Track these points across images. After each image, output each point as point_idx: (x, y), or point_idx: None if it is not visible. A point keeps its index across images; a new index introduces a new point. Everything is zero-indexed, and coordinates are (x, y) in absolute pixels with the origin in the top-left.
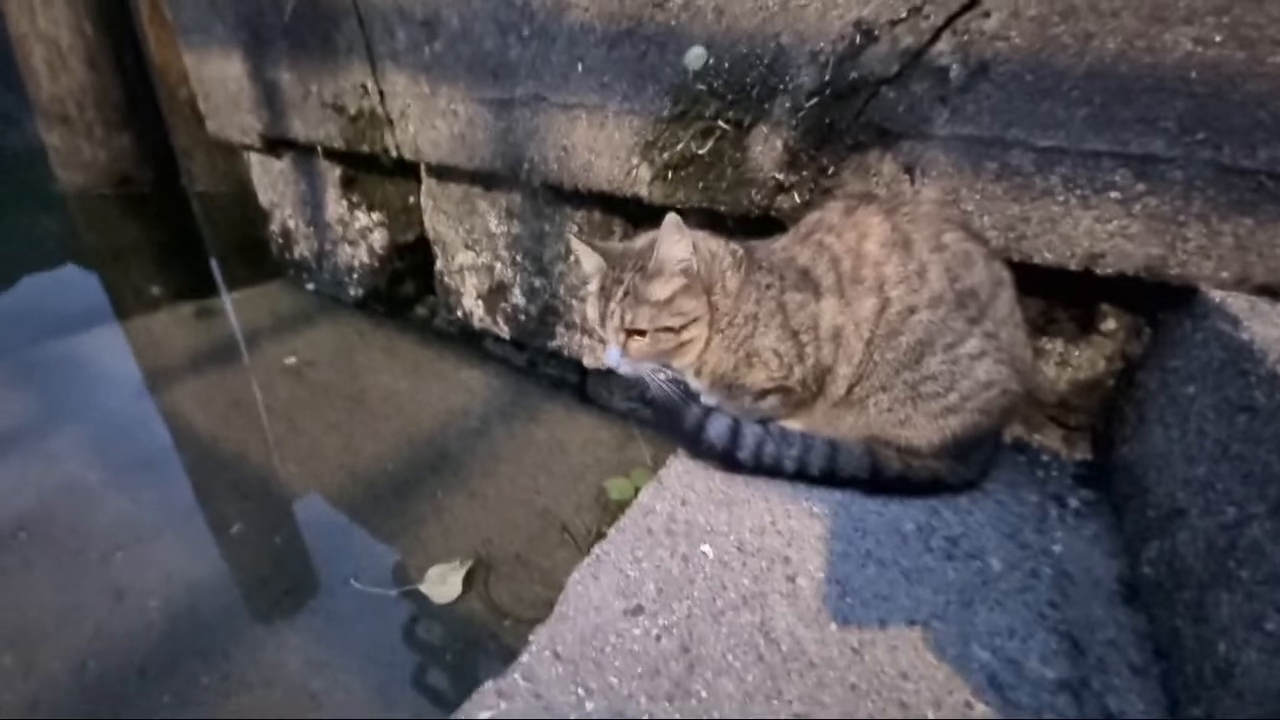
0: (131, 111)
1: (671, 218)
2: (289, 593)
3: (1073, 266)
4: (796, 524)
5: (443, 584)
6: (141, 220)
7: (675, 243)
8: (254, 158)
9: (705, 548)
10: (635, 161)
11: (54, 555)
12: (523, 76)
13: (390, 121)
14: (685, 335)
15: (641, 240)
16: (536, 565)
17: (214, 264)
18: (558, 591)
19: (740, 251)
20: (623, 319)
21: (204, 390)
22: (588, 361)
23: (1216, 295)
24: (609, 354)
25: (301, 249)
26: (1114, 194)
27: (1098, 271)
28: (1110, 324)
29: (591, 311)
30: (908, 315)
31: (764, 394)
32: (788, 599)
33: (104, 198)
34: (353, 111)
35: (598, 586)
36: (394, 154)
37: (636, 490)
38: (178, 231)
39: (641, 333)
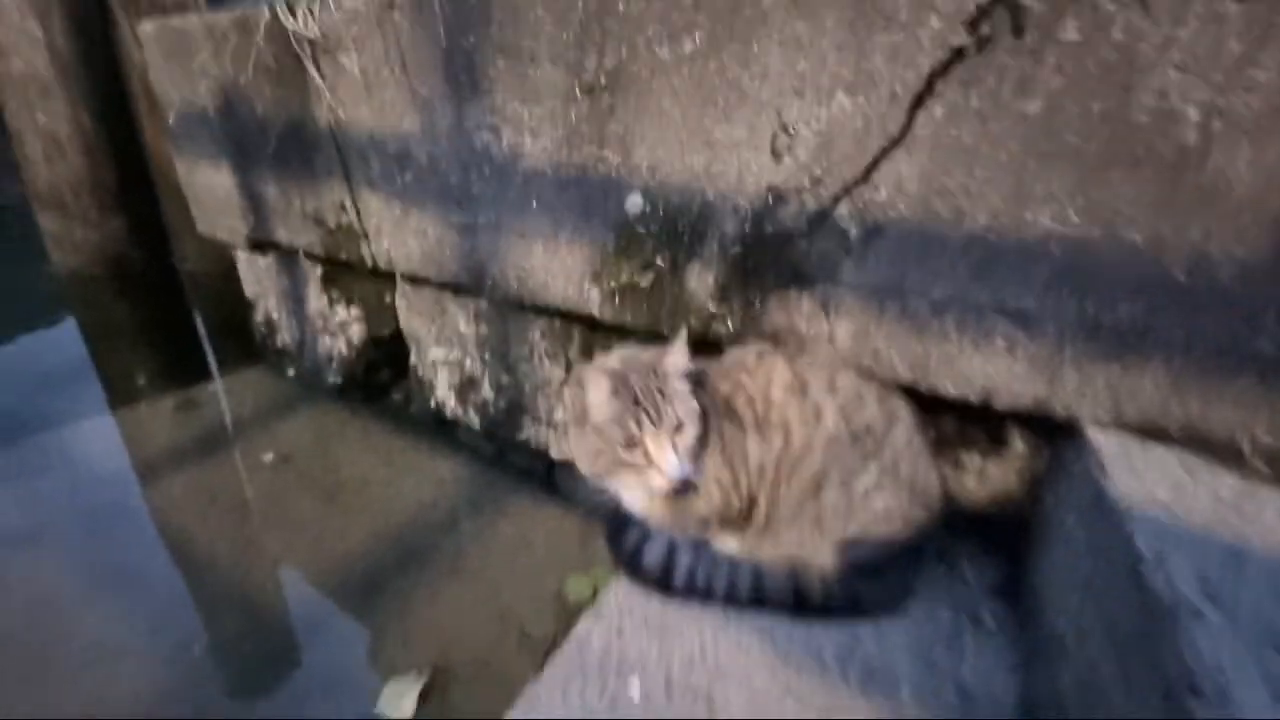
0: (125, 195)
1: (683, 333)
2: (247, 708)
3: (972, 399)
4: (724, 655)
5: (399, 701)
6: (132, 300)
7: (679, 352)
8: (240, 253)
9: (633, 689)
10: (587, 285)
11: (28, 671)
12: (484, 206)
13: (366, 236)
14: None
15: (635, 352)
16: (494, 674)
17: (200, 346)
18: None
19: None
20: (671, 417)
21: (184, 487)
22: (554, 453)
23: (1092, 434)
24: (667, 466)
25: (283, 338)
26: (999, 340)
27: (994, 405)
28: (1017, 443)
29: (624, 431)
30: (806, 453)
31: (706, 521)
32: None
33: (96, 278)
34: (332, 225)
35: None
36: (369, 264)
37: (595, 590)
38: (166, 311)
39: (677, 429)
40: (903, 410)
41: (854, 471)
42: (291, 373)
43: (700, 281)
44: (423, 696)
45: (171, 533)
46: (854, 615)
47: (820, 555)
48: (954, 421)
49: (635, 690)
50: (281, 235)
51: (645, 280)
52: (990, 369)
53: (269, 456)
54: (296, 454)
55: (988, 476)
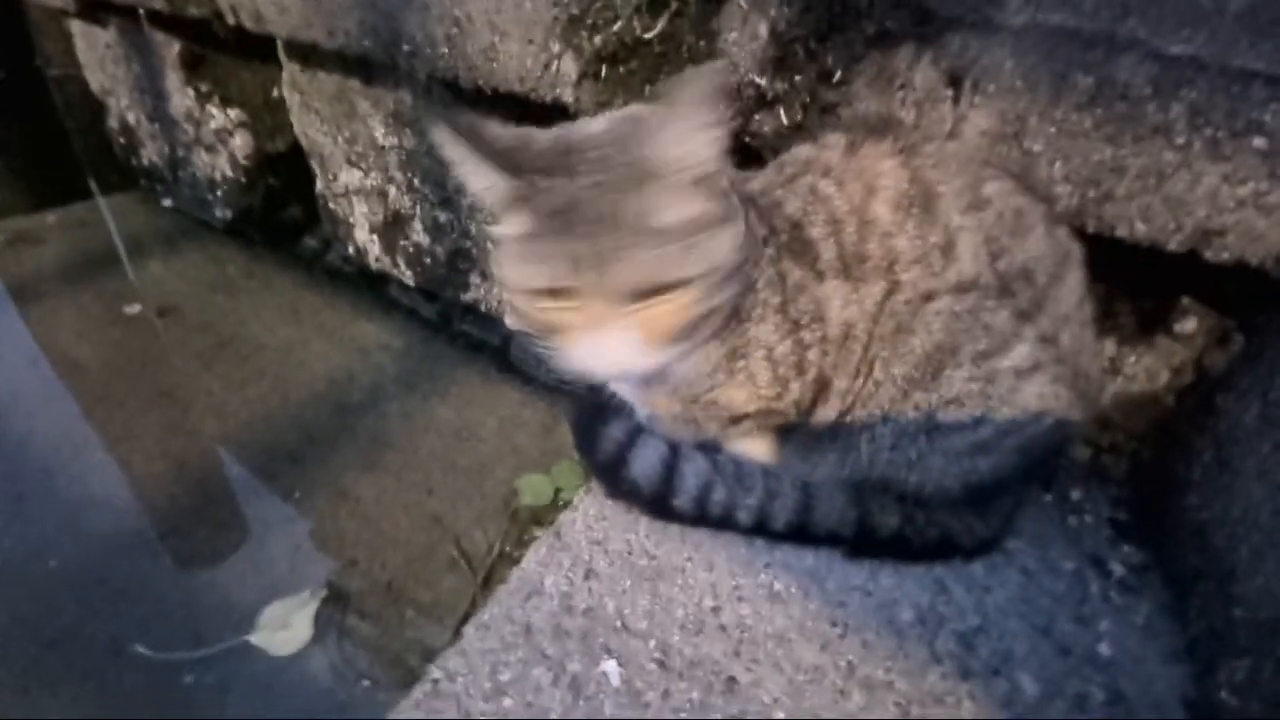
0: None
1: (712, 69)
2: (52, 647)
3: (1172, 246)
4: (749, 612)
5: (283, 629)
6: None
7: (697, 125)
8: (75, 25)
9: (609, 665)
10: (556, 48)
11: None
12: None
13: None
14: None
15: (590, 125)
16: (413, 598)
17: (59, 170)
18: (436, 639)
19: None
20: (612, 270)
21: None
22: (510, 322)
23: None
24: (604, 351)
25: (149, 153)
26: (1258, 141)
27: (1208, 256)
28: (1189, 325)
29: (522, 272)
30: (921, 304)
31: (740, 420)
32: None
33: None
34: None
35: None
36: (230, 20)
37: (557, 493)
38: (19, 122)
39: (653, 293)
40: (1076, 249)
41: (1001, 342)
42: (168, 202)
43: (745, 32)
44: (315, 623)
45: None
46: (939, 557)
47: (917, 472)
48: (1096, 289)
49: (612, 670)
50: None
51: (654, 30)
52: (1225, 193)
53: (134, 308)
54: (169, 307)
55: (1123, 371)
